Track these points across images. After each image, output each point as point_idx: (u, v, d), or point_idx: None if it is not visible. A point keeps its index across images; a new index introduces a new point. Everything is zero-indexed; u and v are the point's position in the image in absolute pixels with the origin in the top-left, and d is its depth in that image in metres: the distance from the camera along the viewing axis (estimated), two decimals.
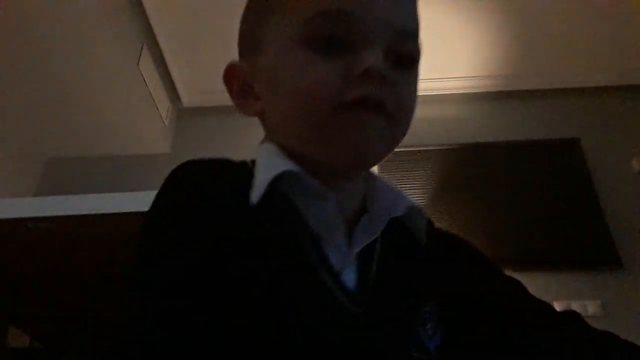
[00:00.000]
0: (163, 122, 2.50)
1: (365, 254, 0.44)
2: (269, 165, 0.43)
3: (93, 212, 0.95)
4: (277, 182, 0.41)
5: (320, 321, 0.39)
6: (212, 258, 0.36)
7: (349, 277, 0.42)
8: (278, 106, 0.45)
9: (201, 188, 0.41)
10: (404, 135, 0.46)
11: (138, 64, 2.25)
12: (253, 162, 0.46)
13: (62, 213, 0.95)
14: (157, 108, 2.43)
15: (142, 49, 2.30)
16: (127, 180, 1.31)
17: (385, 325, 0.42)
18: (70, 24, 1.74)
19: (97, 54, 1.91)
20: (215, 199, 0.41)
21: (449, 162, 2.53)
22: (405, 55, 0.45)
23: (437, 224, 0.54)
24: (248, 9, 0.52)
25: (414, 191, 2.47)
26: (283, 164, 0.43)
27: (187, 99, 2.72)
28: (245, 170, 0.44)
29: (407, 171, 2.53)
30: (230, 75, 0.50)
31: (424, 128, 2.69)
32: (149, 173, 1.19)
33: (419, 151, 2.57)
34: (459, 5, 2.38)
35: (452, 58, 2.64)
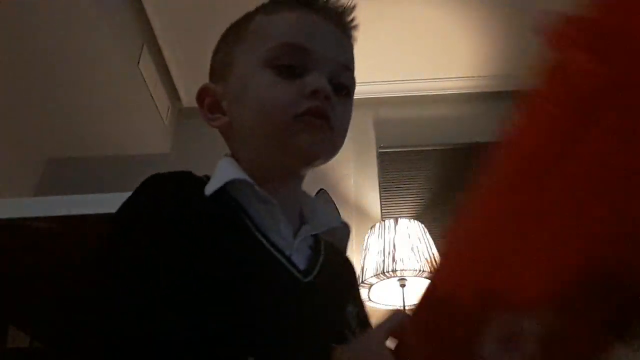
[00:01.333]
0: (163, 122, 2.50)
1: (312, 254, 0.55)
2: (224, 173, 0.54)
3: (93, 212, 0.95)
4: (229, 187, 0.52)
5: (277, 284, 0.49)
6: (180, 238, 0.45)
7: (299, 261, 0.52)
8: (245, 119, 0.56)
9: (166, 191, 0.52)
10: (340, 147, 0.58)
11: (138, 64, 2.25)
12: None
13: (62, 213, 0.95)
14: (157, 108, 2.43)
15: (142, 49, 2.30)
16: (127, 180, 1.31)
17: (329, 301, 0.52)
18: (69, 23, 1.74)
19: (97, 54, 1.91)
20: (177, 197, 0.51)
21: (449, 162, 2.53)
22: (342, 84, 0.58)
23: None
24: (220, 40, 0.66)
25: (414, 191, 2.47)
26: (236, 173, 0.54)
27: (187, 99, 2.72)
28: (203, 180, 0.55)
29: (407, 171, 2.53)
30: (204, 94, 0.61)
31: (424, 128, 2.69)
32: (149, 173, 1.19)
33: (419, 151, 2.57)
34: (459, 5, 2.38)
35: (452, 58, 2.64)
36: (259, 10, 0.61)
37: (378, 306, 2.14)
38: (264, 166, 0.56)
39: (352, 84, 0.59)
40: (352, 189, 2.51)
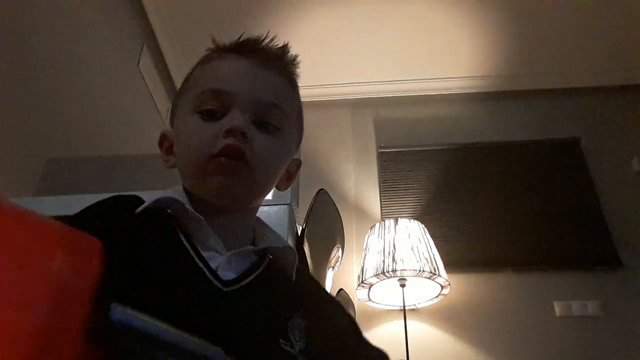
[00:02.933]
0: (163, 122, 2.50)
1: (248, 269, 0.57)
2: (161, 194, 0.58)
3: None
4: (170, 206, 0.57)
5: (194, 290, 0.51)
6: (116, 244, 0.46)
7: (225, 274, 0.54)
8: (179, 161, 0.62)
9: (106, 206, 0.58)
10: (267, 181, 0.62)
11: (138, 64, 2.25)
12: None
13: (62, 213, 0.95)
14: (157, 108, 2.43)
15: (142, 49, 2.30)
16: (127, 180, 1.31)
17: (254, 312, 0.53)
18: (69, 23, 1.74)
19: (97, 54, 1.91)
20: (114, 212, 0.57)
21: (449, 162, 2.54)
22: (267, 122, 0.60)
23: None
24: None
25: (414, 191, 2.47)
26: (169, 194, 0.58)
27: None
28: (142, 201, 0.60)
29: (407, 171, 2.53)
30: (163, 139, 0.67)
31: (424, 128, 2.69)
32: (149, 173, 1.19)
33: (419, 151, 2.57)
34: (459, 5, 2.38)
35: (452, 58, 2.64)
36: (199, 61, 0.67)
37: (378, 306, 2.15)
38: (200, 202, 0.59)
39: (280, 120, 0.61)
40: (352, 189, 2.51)
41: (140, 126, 2.25)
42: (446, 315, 2.10)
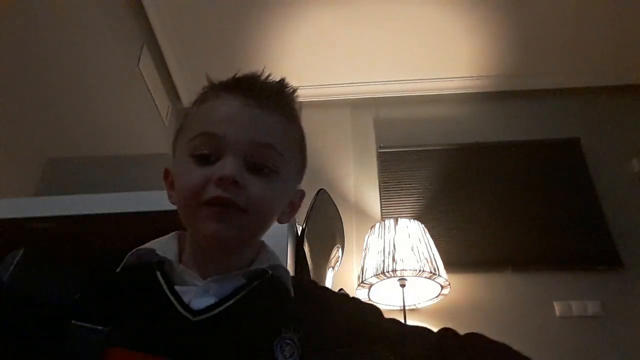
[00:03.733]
0: (163, 122, 2.50)
1: (228, 296, 0.59)
2: (145, 245, 0.62)
3: (93, 212, 0.95)
4: (141, 257, 0.61)
5: (165, 324, 0.55)
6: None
7: (201, 302, 0.57)
8: (177, 200, 0.63)
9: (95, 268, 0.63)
10: (262, 223, 0.63)
11: (138, 64, 2.25)
12: None
13: (62, 213, 0.95)
14: (157, 108, 2.43)
15: (142, 49, 2.30)
16: (127, 180, 1.31)
17: (228, 337, 0.55)
18: (69, 23, 1.74)
19: (97, 54, 1.91)
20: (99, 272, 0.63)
21: (449, 162, 2.53)
22: (262, 164, 0.60)
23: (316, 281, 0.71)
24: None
25: (414, 191, 2.47)
26: (150, 245, 0.62)
27: (187, 99, 2.72)
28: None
29: (407, 171, 2.53)
30: (167, 174, 0.68)
31: (424, 128, 2.69)
32: (149, 173, 1.19)
33: (419, 151, 2.57)
34: (459, 5, 2.38)
35: (452, 58, 2.64)
36: (196, 99, 0.67)
37: (378, 306, 2.14)
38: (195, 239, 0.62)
39: (276, 161, 0.61)
40: (352, 189, 2.51)
41: (140, 126, 2.25)
42: (446, 315, 2.10)
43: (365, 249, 2.12)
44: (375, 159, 2.60)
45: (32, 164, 1.43)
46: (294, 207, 0.68)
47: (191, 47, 2.50)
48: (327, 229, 1.57)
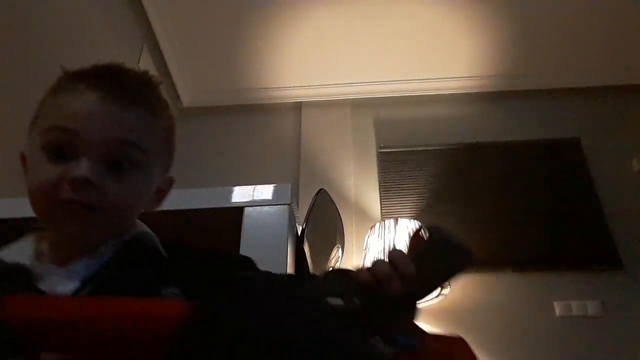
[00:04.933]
0: None
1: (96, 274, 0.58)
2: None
3: None
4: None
5: None
6: None
7: (65, 288, 0.55)
8: (29, 191, 0.59)
9: None
10: (123, 218, 0.61)
11: (138, 64, 2.25)
12: None
13: None
14: None
15: (142, 49, 2.30)
16: None
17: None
18: (70, 24, 1.74)
19: (97, 54, 1.91)
20: None
21: (449, 162, 2.53)
22: (122, 160, 0.58)
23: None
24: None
25: (414, 191, 2.47)
26: (4, 252, 0.60)
27: (187, 99, 2.72)
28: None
29: (407, 171, 2.53)
30: (24, 159, 0.64)
31: (424, 128, 2.69)
32: None
33: (419, 151, 2.57)
34: (458, 5, 2.38)
35: (452, 58, 2.64)
36: (51, 88, 0.64)
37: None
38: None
39: (135, 157, 0.59)
40: (352, 189, 2.51)
41: None
42: (446, 315, 2.10)
43: (365, 249, 2.12)
44: (375, 159, 2.59)
45: None
46: (161, 195, 0.67)
47: (191, 47, 2.50)
48: (327, 229, 1.57)
